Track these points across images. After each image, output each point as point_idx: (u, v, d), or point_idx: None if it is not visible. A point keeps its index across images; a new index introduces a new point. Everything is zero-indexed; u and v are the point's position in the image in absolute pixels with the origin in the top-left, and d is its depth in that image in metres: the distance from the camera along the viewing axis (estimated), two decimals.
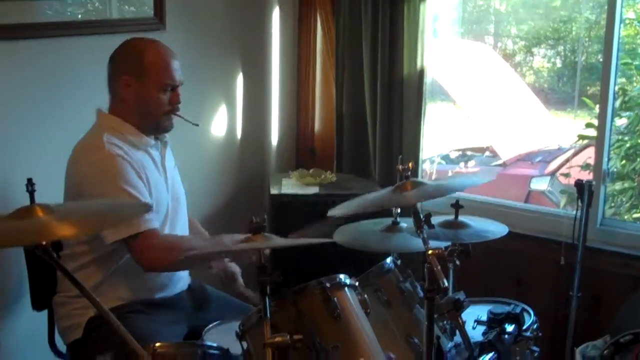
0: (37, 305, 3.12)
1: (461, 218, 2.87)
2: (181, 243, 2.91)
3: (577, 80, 4.61)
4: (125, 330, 1.93)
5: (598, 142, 3.69)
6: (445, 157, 5.69)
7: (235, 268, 3.24)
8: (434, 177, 4.63)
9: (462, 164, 5.81)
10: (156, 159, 3.05)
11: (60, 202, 2.86)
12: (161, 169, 3.07)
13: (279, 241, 2.30)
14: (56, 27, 3.32)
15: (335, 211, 2.52)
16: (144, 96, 2.94)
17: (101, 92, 3.09)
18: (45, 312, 3.13)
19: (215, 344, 2.37)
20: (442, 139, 5.15)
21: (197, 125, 3.15)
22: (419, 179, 3.54)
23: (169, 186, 3.08)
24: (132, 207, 2.52)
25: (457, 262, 2.68)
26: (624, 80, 4.16)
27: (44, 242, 1.85)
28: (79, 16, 3.47)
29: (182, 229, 3.16)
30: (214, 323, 2.86)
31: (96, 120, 3.00)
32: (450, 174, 5.52)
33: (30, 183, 2.04)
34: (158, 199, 2.95)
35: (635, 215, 4.51)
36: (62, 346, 3.09)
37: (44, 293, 3.07)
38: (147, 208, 2.61)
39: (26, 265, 3.08)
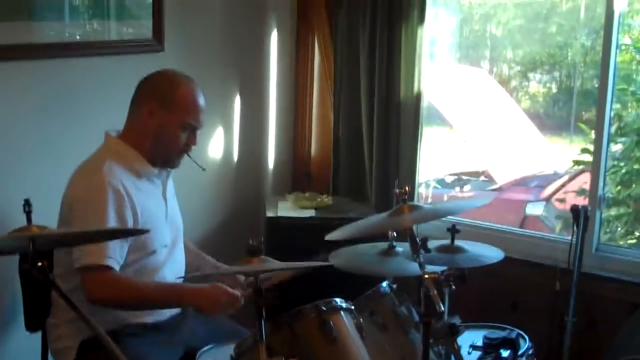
0: (30, 326, 3.10)
1: (457, 242, 2.87)
2: (129, 285, 2.84)
3: (573, 105, 4.62)
4: (120, 352, 1.92)
5: (594, 168, 3.70)
6: (441, 181, 5.69)
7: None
8: (429, 200, 4.64)
9: (457, 188, 5.81)
10: (158, 188, 3.05)
11: (56, 224, 2.87)
12: (162, 199, 3.06)
13: (275, 264, 2.30)
14: (55, 48, 3.32)
15: (333, 235, 2.53)
16: (164, 129, 2.94)
17: (99, 113, 3.11)
18: (39, 334, 3.11)
19: None
20: (437, 162, 5.15)
21: (204, 169, 3.16)
22: (416, 202, 3.55)
23: (168, 216, 3.07)
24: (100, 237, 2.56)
25: (453, 287, 2.67)
26: (619, 106, 4.17)
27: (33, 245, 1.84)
28: (78, 37, 3.47)
29: (179, 255, 3.15)
30: (208, 346, 2.85)
31: (103, 143, 3.00)
32: (445, 198, 5.52)
33: (27, 204, 2.05)
34: (153, 234, 2.92)
35: (630, 241, 4.51)
36: None
37: (38, 314, 3.05)
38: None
39: (20, 286, 3.07)
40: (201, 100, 2.99)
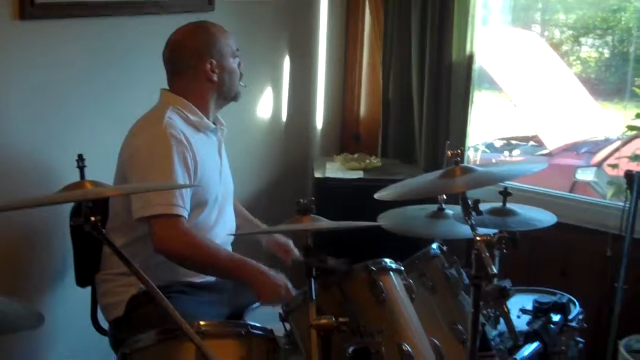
0: (81, 282, 3.15)
1: (509, 205, 2.85)
2: (202, 244, 2.84)
3: (629, 70, 4.53)
4: (172, 307, 1.93)
5: None
6: (490, 146, 5.64)
7: (288, 240, 3.26)
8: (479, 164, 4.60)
9: (506, 153, 5.76)
10: (214, 144, 3.09)
11: (109, 179, 2.89)
12: (217, 154, 3.09)
13: (326, 223, 2.29)
14: (107, 7, 3.32)
15: (382, 194, 2.51)
16: (228, 71, 3.04)
17: (151, 71, 3.11)
18: (88, 290, 3.16)
19: (259, 324, 2.37)
20: (486, 126, 5.11)
21: (245, 86, 3.18)
22: (468, 164, 3.52)
23: (222, 172, 3.10)
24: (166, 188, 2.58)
25: (505, 250, 2.65)
26: None
27: (89, 202, 1.85)
28: None
29: (230, 215, 3.18)
30: (255, 304, 2.87)
31: (160, 97, 3.04)
32: (494, 162, 5.47)
33: (80, 159, 2.05)
34: (207, 186, 2.96)
35: None
36: (104, 323, 3.12)
37: (88, 270, 3.10)
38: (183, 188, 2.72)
39: (72, 242, 3.11)
40: (224, 28, 3.09)
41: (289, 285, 2.83)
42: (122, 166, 2.91)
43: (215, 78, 3.00)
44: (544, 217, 2.84)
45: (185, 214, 2.79)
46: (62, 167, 3.00)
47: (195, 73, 2.99)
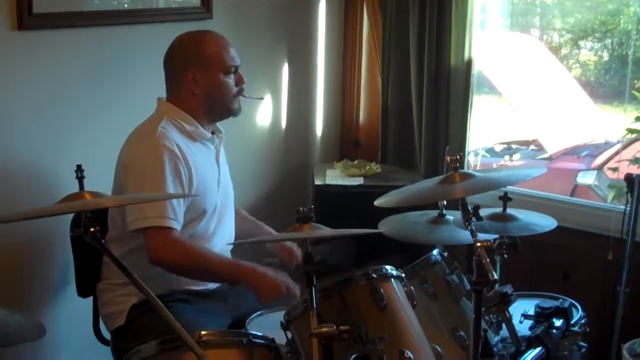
0: (82, 292, 3.14)
1: (509, 211, 2.84)
2: (195, 251, 2.86)
3: (628, 73, 4.53)
4: (172, 316, 1.92)
5: None
6: (490, 150, 5.63)
7: (292, 244, 3.25)
8: (478, 169, 4.59)
9: (506, 157, 5.75)
10: (211, 153, 3.08)
11: (108, 190, 2.89)
12: (215, 163, 3.08)
13: (326, 231, 2.28)
14: (104, 16, 3.34)
15: (382, 201, 2.51)
16: (213, 85, 2.99)
17: (149, 80, 3.11)
18: (90, 300, 3.15)
19: (260, 333, 2.36)
20: (486, 131, 5.10)
21: (262, 99, 3.16)
22: (467, 170, 3.51)
23: (220, 181, 3.09)
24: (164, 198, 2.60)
25: (505, 255, 2.65)
26: None
27: (88, 212, 1.85)
28: (125, 5, 3.49)
29: (229, 224, 3.17)
30: (257, 313, 2.86)
31: (157, 107, 3.03)
32: (494, 167, 5.46)
33: (79, 169, 2.05)
34: (205, 195, 2.96)
35: None
36: (106, 333, 3.11)
37: (90, 280, 3.09)
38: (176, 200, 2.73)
39: (72, 252, 3.10)
40: (227, 43, 3.04)
41: (291, 283, 2.83)
42: (117, 177, 2.91)
43: (196, 90, 2.97)
44: (545, 222, 2.84)
45: (177, 225, 2.80)
46: (61, 177, 3.00)
47: (179, 82, 3.00)
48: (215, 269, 2.87)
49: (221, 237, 3.05)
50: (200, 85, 2.97)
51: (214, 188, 3.04)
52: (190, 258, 2.81)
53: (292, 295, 2.80)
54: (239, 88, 3.06)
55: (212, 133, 3.10)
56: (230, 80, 3.02)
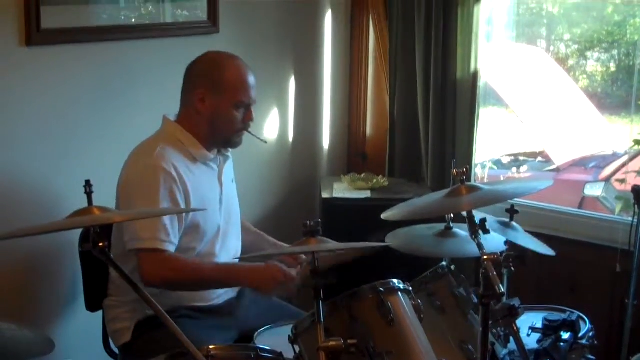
0: (91, 307, 3.15)
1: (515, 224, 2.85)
2: (184, 264, 2.86)
3: (634, 84, 4.53)
4: (181, 332, 1.93)
5: None
6: (497, 162, 5.63)
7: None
8: (486, 182, 4.59)
9: (514, 169, 5.75)
10: (214, 172, 3.06)
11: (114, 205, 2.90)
12: (217, 183, 3.06)
13: (333, 245, 2.29)
14: (110, 31, 3.34)
15: (389, 214, 2.51)
16: (218, 112, 2.95)
17: (158, 95, 3.12)
18: (99, 314, 3.15)
19: (268, 347, 2.37)
20: (494, 143, 5.10)
21: (266, 142, 3.15)
22: (474, 183, 3.51)
23: (222, 201, 3.07)
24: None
25: (512, 268, 2.65)
26: None
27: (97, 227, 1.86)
28: (133, 20, 3.49)
29: (235, 242, 3.16)
30: (265, 327, 2.86)
31: (161, 126, 3.03)
32: (502, 179, 5.46)
33: (88, 185, 2.05)
34: (204, 215, 2.94)
35: None
36: (115, 347, 3.11)
37: (98, 294, 3.10)
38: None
39: (81, 267, 3.11)
40: (249, 77, 2.99)
41: (284, 268, 2.84)
42: (117, 194, 2.93)
43: (202, 110, 2.95)
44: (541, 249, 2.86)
45: (171, 247, 2.81)
46: (70, 192, 3.01)
47: (189, 97, 2.99)
48: (211, 278, 2.88)
49: (226, 256, 3.05)
50: (206, 107, 2.95)
51: (216, 207, 3.03)
52: (182, 272, 2.82)
53: (290, 279, 2.81)
54: (245, 124, 3.02)
55: (218, 151, 3.08)
56: (238, 114, 2.98)
